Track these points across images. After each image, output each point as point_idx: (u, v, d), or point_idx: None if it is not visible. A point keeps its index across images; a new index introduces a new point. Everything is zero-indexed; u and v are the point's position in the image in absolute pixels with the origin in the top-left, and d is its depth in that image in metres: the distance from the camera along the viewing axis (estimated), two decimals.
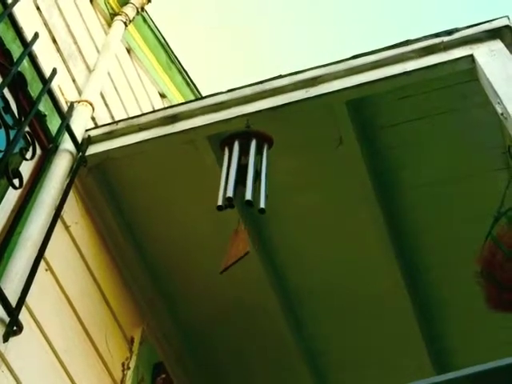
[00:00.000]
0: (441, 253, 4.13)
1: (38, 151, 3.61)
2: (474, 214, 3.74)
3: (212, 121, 3.74)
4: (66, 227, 3.62)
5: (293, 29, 18.17)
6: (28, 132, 3.48)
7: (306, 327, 4.57)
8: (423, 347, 4.42)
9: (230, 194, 3.34)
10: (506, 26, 3.39)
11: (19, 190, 3.34)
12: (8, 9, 3.45)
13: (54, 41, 4.20)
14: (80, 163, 3.80)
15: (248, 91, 3.75)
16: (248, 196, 3.31)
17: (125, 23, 5.37)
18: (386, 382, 4.52)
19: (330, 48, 16.95)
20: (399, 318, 4.33)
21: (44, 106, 3.72)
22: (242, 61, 18.66)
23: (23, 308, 2.97)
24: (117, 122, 4.05)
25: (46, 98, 3.71)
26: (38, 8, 4.06)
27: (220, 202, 3.36)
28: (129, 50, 5.66)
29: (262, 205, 3.33)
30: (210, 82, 15.61)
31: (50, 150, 3.71)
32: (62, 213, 3.51)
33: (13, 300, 2.91)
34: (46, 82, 3.71)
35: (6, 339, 2.83)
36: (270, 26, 18.32)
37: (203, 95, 5.47)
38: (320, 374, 4.72)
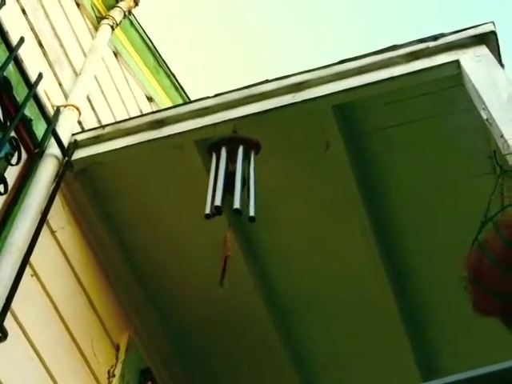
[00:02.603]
0: (428, 257, 4.14)
1: (24, 156, 3.60)
2: (461, 218, 3.75)
3: (199, 125, 3.74)
4: (52, 232, 3.60)
5: (282, 33, 18.20)
6: (13, 137, 3.46)
7: (293, 331, 4.57)
8: (410, 351, 4.43)
9: (218, 202, 3.29)
10: (492, 32, 3.41)
11: (4, 196, 3.32)
12: None
13: (40, 45, 4.18)
14: (66, 168, 3.78)
15: (235, 96, 3.75)
16: (236, 205, 3.27)
17: (112, 27, 5.35)
18: None
19: (317, 53, 17.01)
20: (386, 323, 4.33)
21: (30, 111, 3.70)
22: (231, 65, 18.66)
23: (8, 314, 2.96)
24: (103, 127, 4.04)
25: (31, 102, 3.69)
26: (23, 11, 4.04)
27: (208, 211, 3.32)
28: (116, 54, 5.64)
29: (252, 213, 3.30)
30: (198, 86, 15.61)
31: (35, 155, 3.69)
32: (48, 218, 3.50)
33: None
34: (31, 86, 3.69)
35: None
36: (260, 30, 18.35)
37: (191, 99, 5.47)
38: (307, 377, 4.72)
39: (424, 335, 4.46)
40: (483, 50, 3.37)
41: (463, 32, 3.48)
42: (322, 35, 17.92)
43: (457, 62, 3.38)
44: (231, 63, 18.29)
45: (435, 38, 3.52)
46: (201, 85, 15.56)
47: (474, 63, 3.32)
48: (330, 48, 17.06)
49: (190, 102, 4.19)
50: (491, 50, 3.37)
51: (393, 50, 3.57)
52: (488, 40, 3.41)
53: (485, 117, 3.06)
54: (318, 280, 4.32)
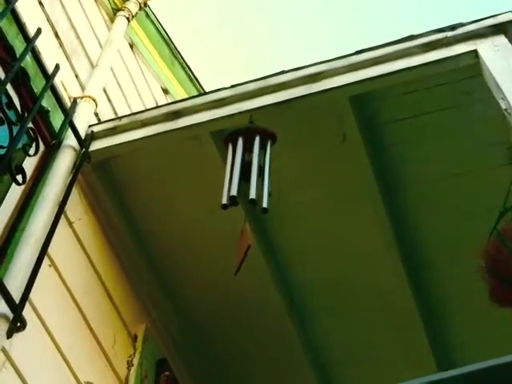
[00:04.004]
0: (444, 248, 4.12)
1: (41, 147, 3.62)
2: (478, 209, 3.73)
3: (215, 116, 3.73)
4: (70, 223, 3.62)
5: (296, 24, 18.15)
6: (31, 128, 3.47)
7: (309, 323, 4.57)
8: (426, 343, 4.41)
9: (233, 192, 3.32)
10: (510, 22, 3.37)
11: (22, 186, 3.34)
12: (11, 4, 3.45)
13: (57, 36, 4.19)
14: (83, 159, 3.79)
15: (251, 87, 3.74)
16: (252, 195, 3.30)
17: (127, 19, 5.36)
18: (388, 378, 4.52)
19: (332, 44, 16.96)
20: (402, 315, 4.32)
21: (47, 102, 3.71)
22: (245, 56, 18.65)
23: (27, 304, 2.97)
24: (120, 118, 4.04)
25: (48, 93, 3.71)
26: (40, 3, 4.05)
27: (225, 201, 3.34)
28: (132, 46, 5.65)
29: (265, 204, 3.31)
30: (213, 78, 15.62)
31: (53, 146, 3.71)
32: (65, 209, 3.51)
33: (16, 296, 2.91)
34: (48, 77, 3.70)
35: (9, 336, 2.83)
36: (273, 21, 18.31)
37: (206, 91, 5.47)
38: (322, 369, 4.72)
39: (441, 327, 4.44)
40: (502, 40, 3.34)
41: (481, 21, 3.45)
42: (326, 30, 17.89)
43: (475, 52, 3.35)
44: (233, 58, 18.30)
45: (453, 27, 3.49)
46: (216, 77, 15.57)
47: (493, 53, 3.28)
48: (340, 42, 16.99)
49: (206, 93, 4.19)
50: (510, 40, 3.33)
51: (410, 40, 3.54)
52: (507, 29, 3.37)
53: (503, 107, 3.04)
54: (334, 272, 4.31)
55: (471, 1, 16.44)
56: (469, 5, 16.27)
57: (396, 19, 17.53)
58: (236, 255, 3.40)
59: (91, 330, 3.51)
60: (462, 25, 3.47)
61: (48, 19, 4.12)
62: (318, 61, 3.66)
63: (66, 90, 4.04)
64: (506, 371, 1.84)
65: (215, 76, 15.84)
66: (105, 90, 4.62)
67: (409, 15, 17.56)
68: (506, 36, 3.36)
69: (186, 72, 6.18)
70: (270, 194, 3.34)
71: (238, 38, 18.46)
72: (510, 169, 3.54)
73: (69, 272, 3.46)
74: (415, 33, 3.56)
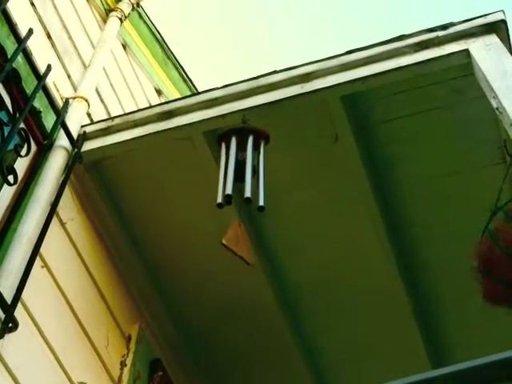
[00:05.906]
0: (438, 247, 4.13)
1: (33, 147, 3.61)
2: (471, 208, 3.73)
3: (208, 116, 3.73)
4: (62, 224, 3.61)
5: (289, 25, 18.17)
6: (23, 128, 3.47)
7: (304, 323, 4.57)
8: (421, 342, 4.42)
9: (228, 191, 3.33)
10: (502, 21, 3.38)
11: (14, 187, 3.33)
12: (2, 4, 3.44)
13: (49, 37, 4.18)
14: (75, 159, 3.79)
15: (243, 87, 3.74)
16: (247, 193, 3.31)
17: (120, 19, 5.35)
18: (384, 377, 4.51)
19: (325, 43, 16.97)
20: (397, 314, 4.32)
21: (39, 103, 3.70)
22: (239, 56, 18.65)
23: (19, 305, 2.97)
24: (112, 118, 4.04)
25: (40, 94, 3.70)
26: (32, 4, 4.04)
27: (220, 200, 3.35)
28: (124, 46, 5.64)
29: (262, 202, 3.33)
30: (207, 78, 15.61)
31: (45, 147, 3.71)
32: (57, 209, 3.50)
33: (8, 297, 2.91)
34: (40, 78, 3.69)
35: (1, 336, 2.83)
36: (267, 21, 18.32)
37: (199, 91, 5.46)
38: (318, 370, 4.72)
39: (435, 326, 4.44)
40: (493, 39, 3.34)
41: (473, 21, 3.46)
42: (319, 29, 17.91)
43: (466, 51, 3.36)
44: (227, 58, 18.29)
45: (444, 27, 3.50)
46: (209, 77, 15.57)
47: (484, 52, 3.29)
48: (332, 42, 16.99)
49: (199, 93, 4.19)
50: (501, 39, 3.34)
51: (401, 39, 3.55)
52: (498, 29, 3.38)
53: (495, 106, 3.04)
54: (329, 271, 4.31)
55: (462, 1, 16.46)
56: (460, 5, 16.29)
57: (387, 19, 17.53)
58: (232, 239, 3.41)
59: (84, 330, 3.51)
60: (453, 24, 3.48)
61: (40, 20, 4.11)
62: (310, 61, 3.66)
63: (58, 90, 4.03)
64: (493, 370, 1.85)
65: (209, 76, 15.83)
66: (97, 91, 4.62)
67: (400, 15, 17.57)
68: (498, 35, 3.37)
69: (179, 72, 6.18)
70: (265, 193, 3.35)
71: (232, 38, 18.46)
72: (502, 168, 3.55)
73: (61, 272, 3.45)
74: (406, 32, 3.57)
